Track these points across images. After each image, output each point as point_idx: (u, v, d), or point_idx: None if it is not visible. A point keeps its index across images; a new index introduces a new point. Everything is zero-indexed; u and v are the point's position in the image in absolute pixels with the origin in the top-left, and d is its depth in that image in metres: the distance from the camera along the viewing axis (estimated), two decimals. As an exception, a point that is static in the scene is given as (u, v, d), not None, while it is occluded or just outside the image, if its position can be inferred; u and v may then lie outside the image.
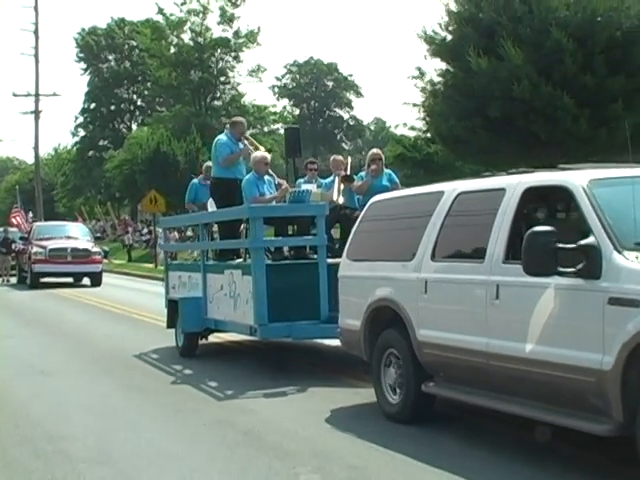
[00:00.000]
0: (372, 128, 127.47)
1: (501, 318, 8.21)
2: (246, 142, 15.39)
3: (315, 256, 13.35)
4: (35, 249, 32.96)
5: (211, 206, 15.68)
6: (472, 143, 33.18)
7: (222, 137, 15.41)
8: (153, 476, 8.16)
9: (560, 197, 8.61)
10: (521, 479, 7.70)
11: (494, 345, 8.16)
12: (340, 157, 15.98)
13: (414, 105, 43.63)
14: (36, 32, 60.61)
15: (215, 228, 16.07)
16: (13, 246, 36.37)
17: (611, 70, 34.41)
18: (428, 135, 40.10)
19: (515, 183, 8.51)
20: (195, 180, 18.07)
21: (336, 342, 12.82)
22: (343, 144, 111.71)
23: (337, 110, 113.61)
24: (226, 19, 75.58)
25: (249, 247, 13.22)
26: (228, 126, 16.17)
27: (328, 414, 10.39)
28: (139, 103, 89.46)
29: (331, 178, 15.16)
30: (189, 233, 58.00)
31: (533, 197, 8.61)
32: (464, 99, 36.62)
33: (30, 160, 76.71)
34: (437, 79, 40.82)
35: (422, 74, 41.69)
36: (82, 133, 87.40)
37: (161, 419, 10.71)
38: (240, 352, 15.73)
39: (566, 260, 7.41)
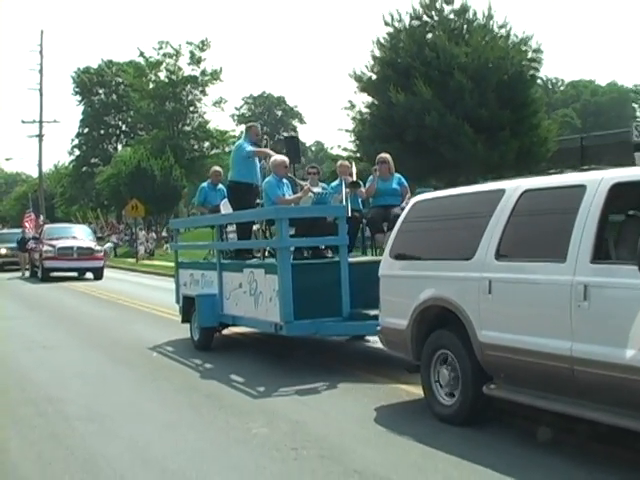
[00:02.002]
0: (313, 149, 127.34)
1: (591, 321, 6.34)
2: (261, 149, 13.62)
3: (330, 255, 11.83)
4: (46, 248, 32.00)
5: (225, 207, 13.77)
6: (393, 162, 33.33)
7: (240, 142, 13.53)
8: (132, 430, 8.15)
9: None
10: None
11: (581, 349, 6.31)
12: (346, 162, 13.69)
13: (346, 130, 43.95)
14: (41, 71, 60.12)
15: (228, 228, 13.87)
16: (27, 245, 35.79)
17: (500, 105, 35.03)
18: (358, 155, 40.15)
19: (598, 179, 6.66)
20: (204, 184, 15.83)
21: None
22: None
23: (285, 134, 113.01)
24: (195, 61, 75.48)
25: (276, 247, 11.17)
26: (244, 132, 13.72)
27: (277, 380, 10.39)
28: (124, 128, 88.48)
29: (337, 182, 13.20)
30: (164, 234, 57.93)
31: (621, 193, 6.63)
32: (386, 126, 36.85)
33: (35, 174, 75.45)
34: (365, 110, 41.08)
35: (353, 106, 42.05)
36: (77, 152, 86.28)
37: (140, 385, 10.69)
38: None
39: None
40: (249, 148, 13.06)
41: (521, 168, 35.95)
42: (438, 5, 40.39)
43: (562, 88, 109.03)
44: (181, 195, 64.92)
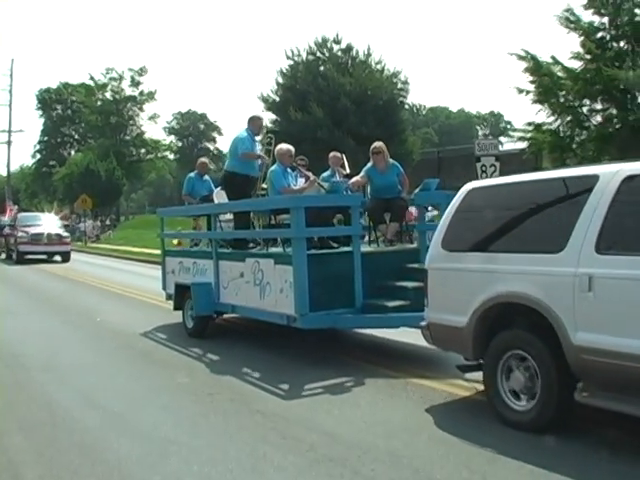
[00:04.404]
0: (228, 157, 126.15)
1: None
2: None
3: (336, 245, 9.60)
4: (20, 234, 30.06)
5: (221, 197, 11.25)
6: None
7: (242, 133, 10.56)
8: (81, 379, 8.04)
9: None
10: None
11: None
12: (338, 154, 11.60)
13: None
14: (10, 91, 58.66)
15: (221, 217, 11.15)
16: (3, 231, 33.78)
17: (377, 124, 35.56)
18: (265, 161, 40.02)
19: None
20: (191, 174, 13.21)
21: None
22: (210, 166, 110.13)
23: (206, 143, 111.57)
24: (135, 83, 74.58)
25: (292, 237, 8.49)
26: (247, 122, 10.73)
27: (203, 342, 10.35)
28: (76, 137, 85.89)
29: (329, 172, 11.33)
30: (107, 222, 56.62)
31: None
32: (287, 139, 36.77)
33: (4, 173, 72.72)
34: (270, 125, 41.03)
35: (260, 122, 41.89)
36: (38, 156, 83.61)
37: (87, 343, 10.46)
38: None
39: None
40: (244, 149, 10.35)
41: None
42: (329, 44, 41.02)
43: (424, 112, 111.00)
44: (122, 191, 65.65)
